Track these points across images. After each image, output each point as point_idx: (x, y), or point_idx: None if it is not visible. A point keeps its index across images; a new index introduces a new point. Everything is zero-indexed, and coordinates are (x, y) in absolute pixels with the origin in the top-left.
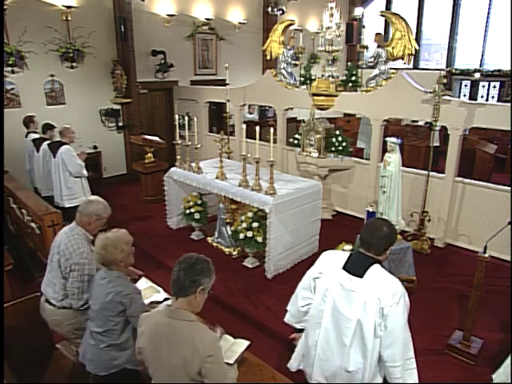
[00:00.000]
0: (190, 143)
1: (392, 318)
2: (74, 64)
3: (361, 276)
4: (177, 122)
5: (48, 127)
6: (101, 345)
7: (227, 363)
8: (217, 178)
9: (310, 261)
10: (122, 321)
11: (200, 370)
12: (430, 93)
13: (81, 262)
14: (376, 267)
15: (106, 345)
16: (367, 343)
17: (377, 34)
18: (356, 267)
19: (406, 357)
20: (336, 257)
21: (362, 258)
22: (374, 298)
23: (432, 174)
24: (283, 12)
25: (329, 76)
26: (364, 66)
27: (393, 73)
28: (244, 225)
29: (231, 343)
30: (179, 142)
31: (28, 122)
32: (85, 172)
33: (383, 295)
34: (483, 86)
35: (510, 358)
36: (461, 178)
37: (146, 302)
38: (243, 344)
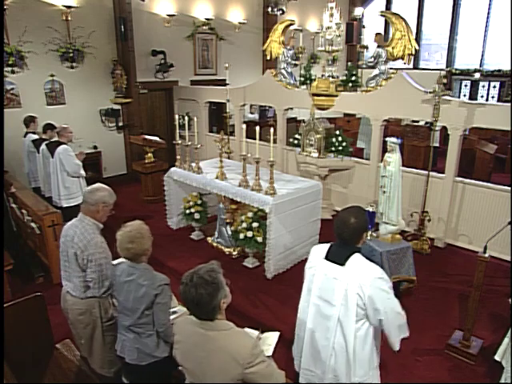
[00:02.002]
0: (190, 143)
1: (377, 296)
2: (73, 64)
3: (342, 264)
4: (177, 122)
5: (49, 127)
6: (137, 337)
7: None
8: (217, 177)
9: None
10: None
11: (242, 378)
12: (430, 93)
13: (96, 252)
14: (357, 256)
15: (144, 336)
16: (349, 327)
17: (377, 34)
18: (337, 256)
19: (399, 323)
20: (321, 248)
21: (342, 247)
22: (355, 284)
23: (432, 173)
24: (283, 12)
25: (329, 76)
26: (364, 66)
27: (393, 73)
28: (244, 225)
29: (262, 338)
30: (179, 141)
31: (29, 121)
32: (82, 172)
33: (363, 281)
34: (483, 86)
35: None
36: (461, 178)
37: None
38: (274, 335)
